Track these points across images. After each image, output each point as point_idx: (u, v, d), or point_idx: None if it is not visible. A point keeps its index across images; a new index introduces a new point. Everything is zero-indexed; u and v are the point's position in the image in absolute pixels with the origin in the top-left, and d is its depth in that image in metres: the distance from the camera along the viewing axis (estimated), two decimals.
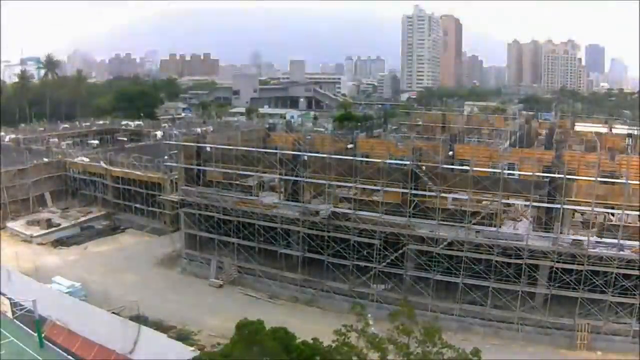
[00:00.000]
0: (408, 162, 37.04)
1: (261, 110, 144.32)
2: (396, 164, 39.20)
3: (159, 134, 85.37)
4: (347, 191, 41.43)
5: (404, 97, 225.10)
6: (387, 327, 23.72)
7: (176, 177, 49.95)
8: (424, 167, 36.21)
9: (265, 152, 41.91)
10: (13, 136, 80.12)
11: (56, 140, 78.47)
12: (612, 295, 32.38)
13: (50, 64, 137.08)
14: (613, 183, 35.23)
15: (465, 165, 37.44)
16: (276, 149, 41.66)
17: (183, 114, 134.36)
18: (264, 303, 39.65)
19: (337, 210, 38.60)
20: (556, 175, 33.66)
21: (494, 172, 35.79)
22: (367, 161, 38.79)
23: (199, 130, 66.59)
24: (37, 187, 61.06)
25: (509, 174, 35.33)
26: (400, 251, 36.40)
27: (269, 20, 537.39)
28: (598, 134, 59.06)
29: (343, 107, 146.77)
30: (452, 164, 39.29)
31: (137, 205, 57.82)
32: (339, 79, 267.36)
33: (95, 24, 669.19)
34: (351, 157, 38.66)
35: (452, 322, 34.36)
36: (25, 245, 51.54)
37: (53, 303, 33.17)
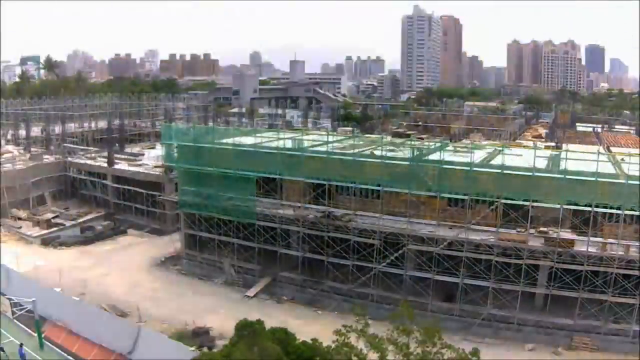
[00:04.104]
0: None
1: (261, 110, 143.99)
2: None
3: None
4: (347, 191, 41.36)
5: (404, 97, 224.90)
6: (386, 327, 23.68)
7: (176, 177, 49.93)
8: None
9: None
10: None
11: (56, 140, 78.31)
12: (612, 296, 32.40)
13: (50, 64, 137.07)
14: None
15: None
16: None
17: (183, 114, 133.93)
18: (263, 303, 39.68)
19: (336, 210, 38.60)
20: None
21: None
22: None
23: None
24: (37, 187, 61.01)
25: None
26: (400, 251, 36.38)
27: (269, 20, 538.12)
28: (598, 133, 59.11)
29: (343, 107, 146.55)
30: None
31: (137, 206, 57.84)
32: (339, 79, 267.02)
33: (95, 24, 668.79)
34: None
35: (452, 322, 34.36)
36: (26, 245, 51.52)
37: (53, 303, 33.12)
